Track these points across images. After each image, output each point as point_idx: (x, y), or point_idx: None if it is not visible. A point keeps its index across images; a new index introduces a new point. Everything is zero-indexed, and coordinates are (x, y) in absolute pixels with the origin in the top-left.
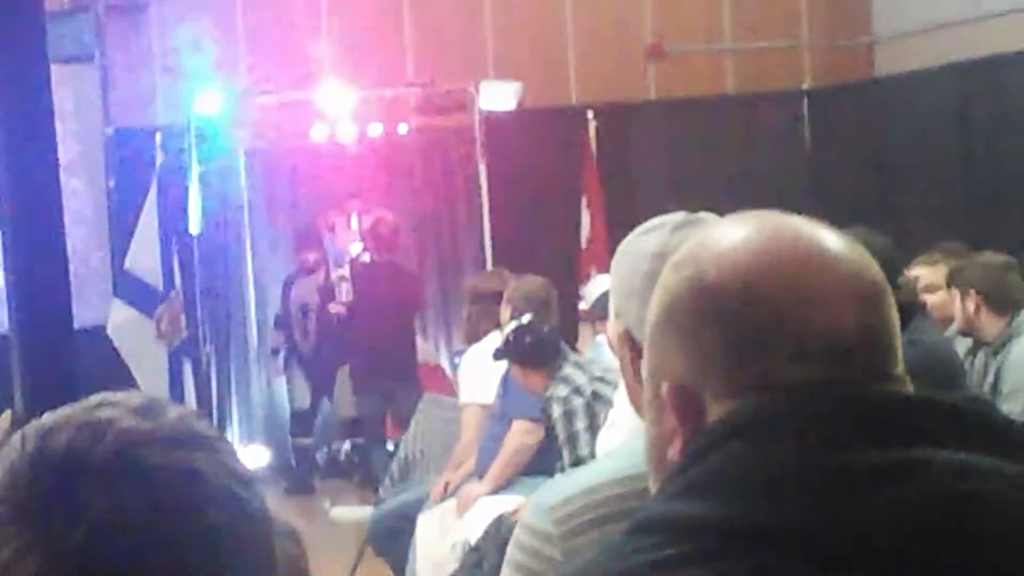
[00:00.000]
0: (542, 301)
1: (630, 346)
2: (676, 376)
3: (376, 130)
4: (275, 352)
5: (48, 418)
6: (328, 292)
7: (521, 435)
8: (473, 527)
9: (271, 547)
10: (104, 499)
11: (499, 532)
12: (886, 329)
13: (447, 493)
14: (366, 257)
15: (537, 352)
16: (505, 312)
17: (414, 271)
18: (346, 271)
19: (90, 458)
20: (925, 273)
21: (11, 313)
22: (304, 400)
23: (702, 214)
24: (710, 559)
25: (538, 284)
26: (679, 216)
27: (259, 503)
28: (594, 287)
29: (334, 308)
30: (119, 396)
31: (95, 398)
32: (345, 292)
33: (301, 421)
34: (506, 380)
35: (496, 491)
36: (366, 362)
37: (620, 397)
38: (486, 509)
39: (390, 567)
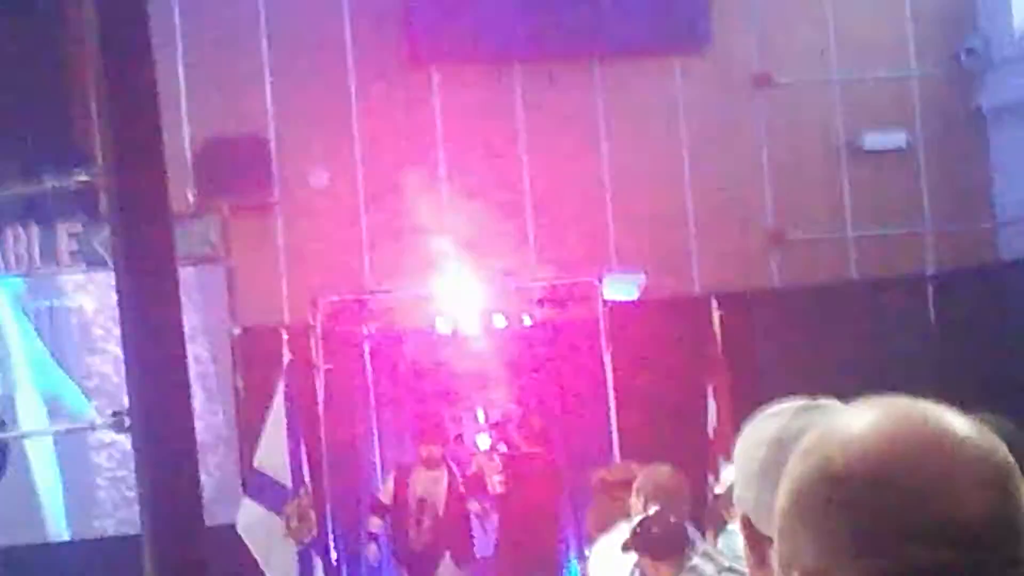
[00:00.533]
0: (672, 490)
1: (749, 532)
2: (807, 564)
3: (500, 322)
4: (372, 538)
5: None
6: (457, 488)
7: None
8: None
9: None
10: None
11: None
12: (1016, 514)
13: None
14: (501, 449)
15: (665, 543)
16: (637, 502)
17: (555, 464)
18: (493, 464)
19: None
20: None
21: (144, 513)
22: None
23: (822, 400)
24: None
25: (667, 473)
26: (799, 403)
27: None
28: (728, 474)
29: (475, 507)
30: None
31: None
32: (495, 484)
33: None
34: (634, 573)
35: None
36: (514, 555)
37: None
38: None
39: None
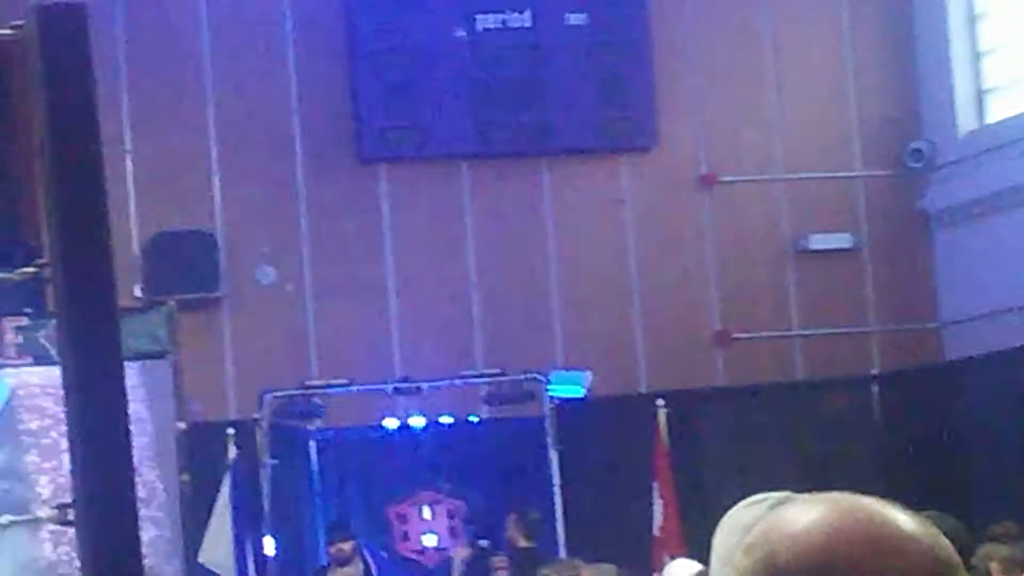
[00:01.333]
0: None
1: None
2: None
3: (446, 420)
4: None
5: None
6: None
7: None
8: None
9: None
10: None
11: None
12: None
13: None
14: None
15: None
16: None
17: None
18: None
19: None
20: (997, 551)
21: None
22: None
23: (804, 495)
24: None
25: (612, 573)
26: (781, 494)
27: None
28: (669, 572)
29: None
30: None
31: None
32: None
33: None
34: None
35: None
36: None
37: None
38: None
39: None
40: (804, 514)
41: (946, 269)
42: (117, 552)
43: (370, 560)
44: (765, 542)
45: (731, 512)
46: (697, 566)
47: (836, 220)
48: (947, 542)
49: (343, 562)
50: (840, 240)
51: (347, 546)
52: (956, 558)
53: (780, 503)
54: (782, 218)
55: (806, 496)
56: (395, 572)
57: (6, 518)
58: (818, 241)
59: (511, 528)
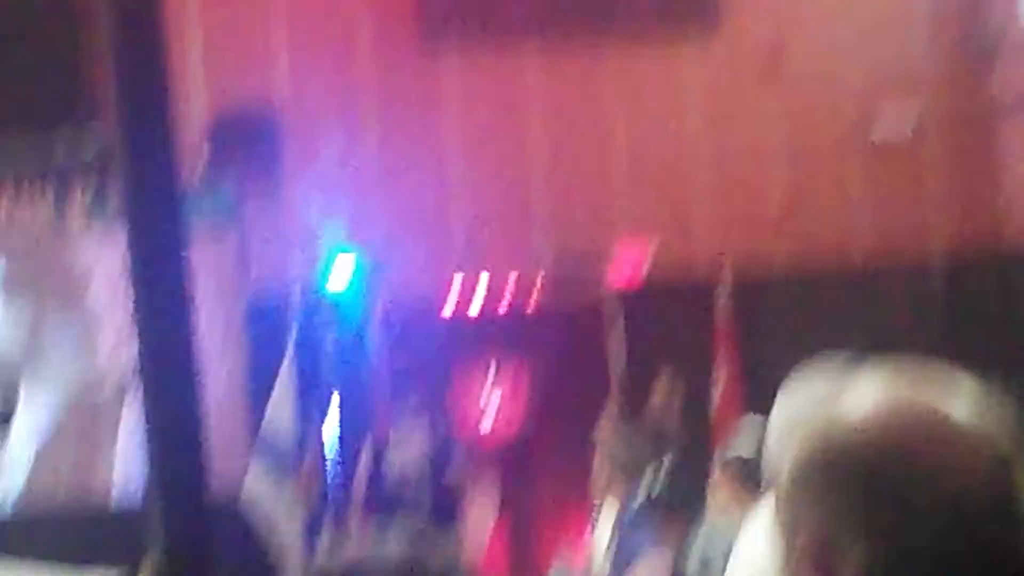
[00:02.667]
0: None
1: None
2: (811, 533)
3: (504, 307)
4: None
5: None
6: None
7: None
8: None
9: None
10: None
11: None
12: (1012, 500)
13: None
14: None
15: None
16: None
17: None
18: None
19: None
20: None
21: (147, 487)
22: None
23: (865, 365)
24: None
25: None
26: (839, 363)
27: None
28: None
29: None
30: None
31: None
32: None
33: None
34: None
35: None
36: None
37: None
38: None
39: None
40: (861, 402)
41: (1012, 158)
42: (180, 422)
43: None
44: (822, 432)
45: (792, 383)
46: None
47: (901, 107)
48: (1005, 436)
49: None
50: (905, 126)
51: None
52: (1011, 449)
53: (843, 372)
54: (846, 104)
55: (867, 373)
56: (453, 452)
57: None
58: (882, 128)
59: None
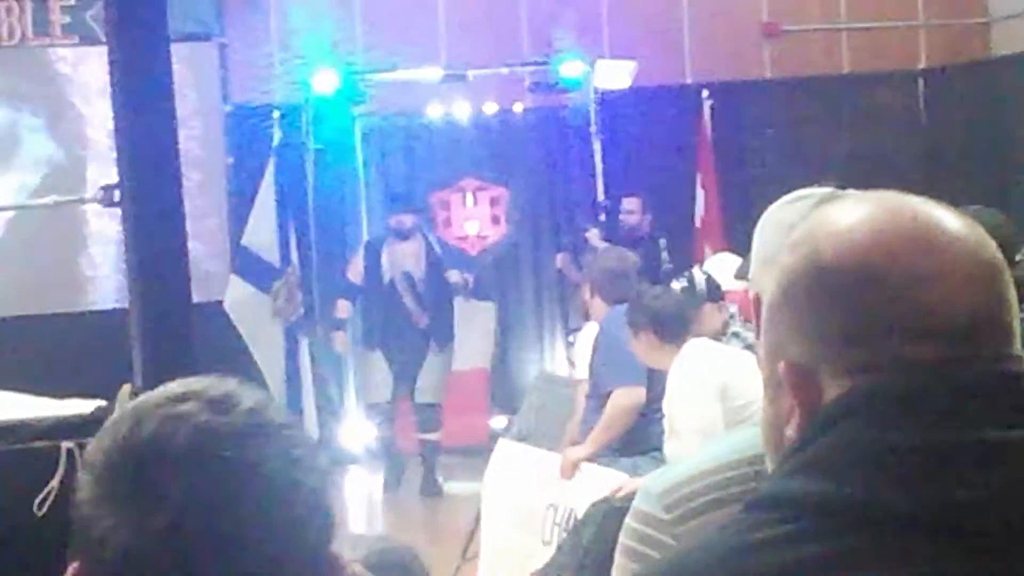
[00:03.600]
0: (616, 273)
1: (759, 311)
2: (793, 355)
3: (491, 108)
4: (339, 325)
5: (140, 404)
6: (436, 258)
7: (619, 399)
8: (577, 495)
9: (327, 516)
10: (180, 486)
11: (602, 515)
12: (1004, 308)
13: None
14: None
15: (668, 321)
16: (584, 291)
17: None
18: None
19: (170, 449)
20: None
21: (131, 287)
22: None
23: (850, 191)
24: (825, 537)
25: (611, 257)
26: (824, 191)
27: (319, 484)
28: (713, 265)
29: (456, 276)
30: (200, 386)
31: (180, 388)
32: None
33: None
34: (595, 352)
35: (596, 457)
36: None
37: (676, 405)
38: (591, 480)
39: None
40: (850, 212)
41: None
42: (162, 234)
43: (433, 240)
44: (810, 240)
45: (772, 209)
46: (738, 261)
47: None
48: (991, 241)
49: (404, 236)
50: None
51: (408, 219)
52: (1000, 257)
53: (824, 200)
54: None
55: (851, 193)
56: (453, 257)
57: (52, 199)
58: None
59: (561, 263)
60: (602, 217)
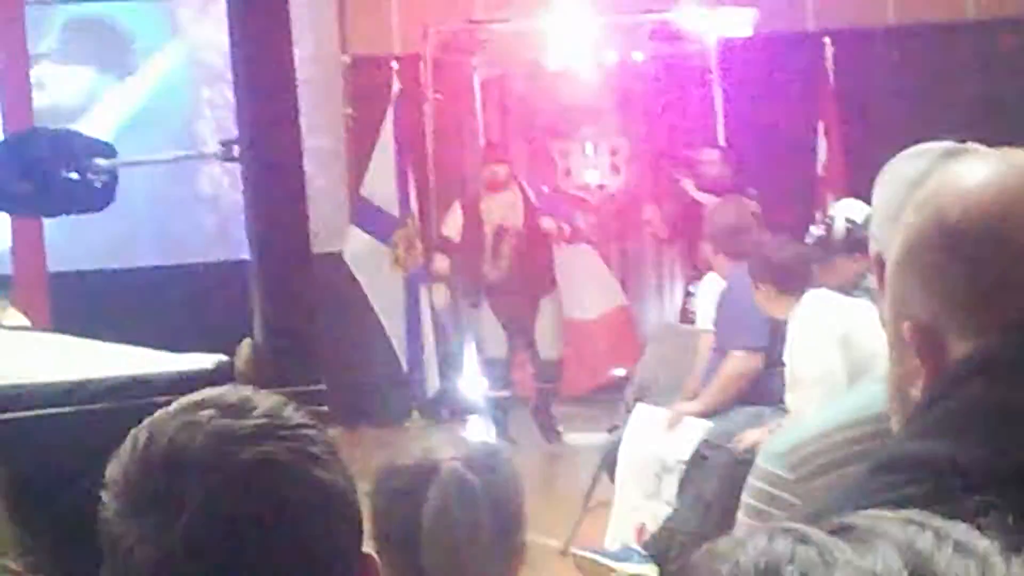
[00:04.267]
0: (738, 228)
1: (881, 269)
2: (918, 315)
3: (611, 57)
4: (438, 279)
5: (156, 418)
6: (534, 209)
7: (736, 365)
8: (679, 447)
9: (355, 516)
10: (199, 491)
11: (725, 468)
12: None
13: None
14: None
15: (788, 272)
16: (706, 247)
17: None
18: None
19: (187, 455)
20: None
21: (250, 239)
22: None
23: (970, 145)
24: (953, 499)
25: (731, 211)
26: (945, 145)
27: (340, 481)
28: (837, 212)
29: (549, 224)
30: (215, 394)
31: (195, 397)
32: (582, 220)
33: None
34: (719, 309)
35: (708, 415)
36: None
37: (797, 354)
38: (692, 432)
39: None
40: (976, 171)
41: None
42: (281, 188)
43: (528, 190)
44: (935, 199)
45: (892, 164)
46: (865, 208)
47: None
48: None
49: (497, 186)
50: None
51: (502, 169)
52: None
53: (946, 154)
54: None
55: (974, 149)
56: (557, 206)
57: (172, 154)
58: None
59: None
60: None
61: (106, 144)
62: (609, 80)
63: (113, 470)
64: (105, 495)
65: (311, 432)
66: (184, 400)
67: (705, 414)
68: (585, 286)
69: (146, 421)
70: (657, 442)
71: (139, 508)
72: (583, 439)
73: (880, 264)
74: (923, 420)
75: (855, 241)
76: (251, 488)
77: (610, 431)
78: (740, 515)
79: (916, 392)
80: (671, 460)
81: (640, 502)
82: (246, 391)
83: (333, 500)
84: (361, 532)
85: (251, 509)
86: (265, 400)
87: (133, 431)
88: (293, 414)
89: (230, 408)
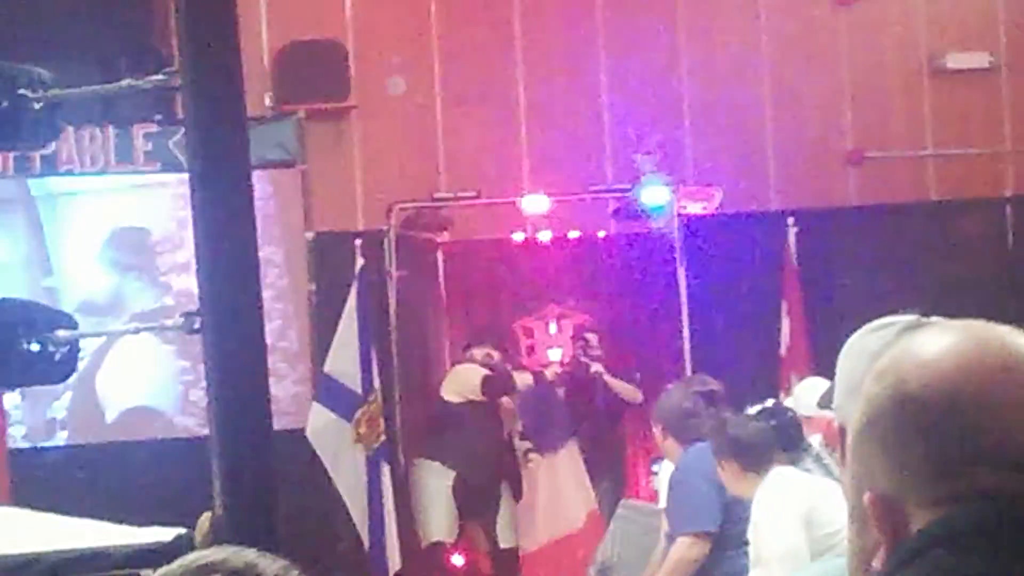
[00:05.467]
0: (687, 412)
1: (844, 441)
2: (878, 486)
3: (575, 234)
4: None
5: None
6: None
7: (682, 550)
8: None
9: None
10: None
11: None
12: None
13: None
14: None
15: (750, 449)
16: (656, 431)
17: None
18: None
19: None
20: None
21: (211, 415)
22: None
23: (933, 319)
24: None
25: (680, 395)
26: (908, 318)
27: None
28: (800, 390)
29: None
30: (221, 557)
31: (200, 561)
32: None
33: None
34: (669, 492)
35: None
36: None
37: (761, 533)
38: None
39: None
40: (935, 341)
41: None
42: (243, 360)
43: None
44: (895, 369)
45: (856, 337)
46: (827, 384)
47: (974, 39)
48: None
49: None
50: (978, 60)
51: (478, 354)
52: None
53: (909, 328)
54: (919, 36)
55: (936, 321)
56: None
57: (134, 325)
58: (955, 60)
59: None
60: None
61: (67, 316)
62: (573, 257)
63: None
64: None
65: None
66: (189, 562)
67: None
68: (568, 495)
69: None
70: None
71: None
72: None
73: (843, 435)
74: None
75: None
76: None
77: None
78: None
79: (877, 564)
80: None
81: None
82: (251, 555)
83: None
84: None
85: None
86: (271, 565)
87: None
88: None
89: (237, 574)
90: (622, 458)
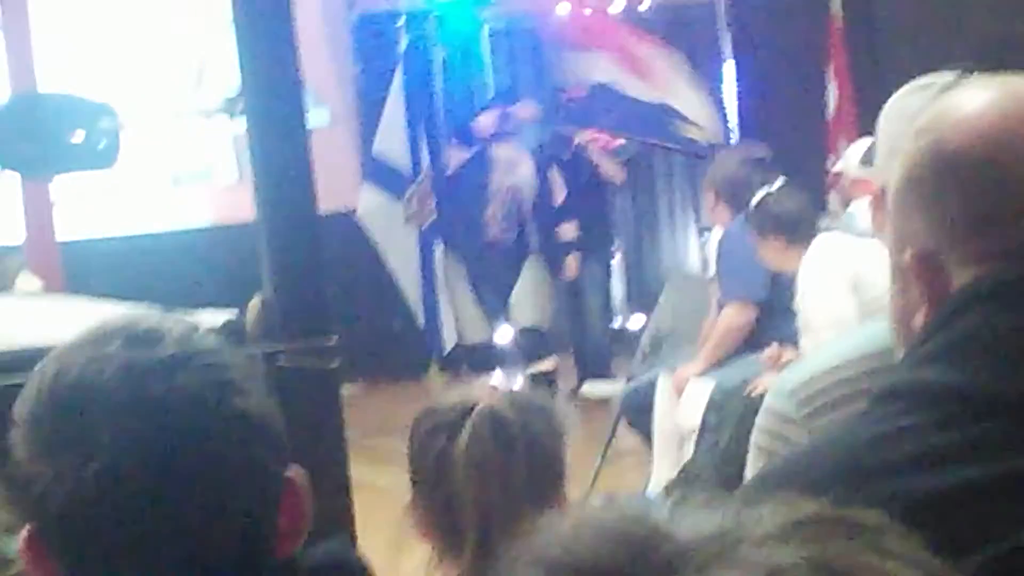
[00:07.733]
0: (740, 179)
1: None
2: (920, 244)
3: (618, 7)
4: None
5: (61, 350)
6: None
7: (730, 317)
8: (689, 413)
9: (276, 440)
10: (112, 429)
11: (739, 415)
12: None
13: None
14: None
15: (792, 222)
16: (708, 197)
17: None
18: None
19: (97, 392)
20: None
21: (257, 199)
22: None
23: (974, 76)
24: (956, 426)
25: (733, 162)
26: (948, 77)
27: (258, 405)
28: (850, 152)
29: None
30: (121, 323)
31: (100, 328)
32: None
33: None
34: (718, 260)
35: (708, 371)
36: None
37: (809, 300)
38: (698, 394)
39: (643, 440)
40: (974, 98)
41: None
42: (285, 145)
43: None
44: (934, 126)
45: (895, 98)
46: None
47: None
48: None
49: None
50: None
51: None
52: None
53: (948, 87)
54: None
55: (976, 79)
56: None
57: (176, 112)
58: None
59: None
60: None
61: (107, 107)
62: (617, 27)
63: (20, 409)
64: (13, 433)
65: (226, 358)
66: (88, 331)
67: (706, 371)
68: None
69: (51, 355)
70: (674, 411)
71: (51, 447)
72: (599, 389)
73: (884, 197)
74: (925, 349)
75: None
76: (164, 423)
77: (628, 380)
78: (750, 456)
79: (919, 322)
80: (686, 428)
81: (671, 473)
82: (153, 317)
83: (252, 427)
84: (284, 455)
85: (165, 445)
86: (173, 326)
87: (38, 366)
88: (206, 340)
89: (137, 339)
90: None
